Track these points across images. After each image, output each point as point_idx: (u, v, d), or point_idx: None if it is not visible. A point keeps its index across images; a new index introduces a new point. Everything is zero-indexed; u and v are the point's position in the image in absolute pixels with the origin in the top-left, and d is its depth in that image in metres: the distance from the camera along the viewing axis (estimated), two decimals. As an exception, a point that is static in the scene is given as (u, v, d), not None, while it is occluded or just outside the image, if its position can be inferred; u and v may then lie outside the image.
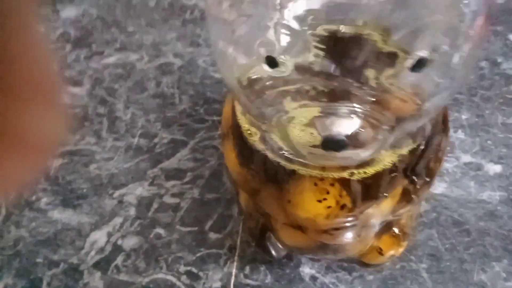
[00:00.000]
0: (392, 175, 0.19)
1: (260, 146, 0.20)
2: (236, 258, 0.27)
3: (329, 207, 0.19)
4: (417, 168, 0.20)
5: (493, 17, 0.15)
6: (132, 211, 0.30)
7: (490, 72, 0.36)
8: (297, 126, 0.15)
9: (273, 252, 0.25)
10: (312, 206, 0.19)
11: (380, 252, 0.23)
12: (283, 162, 0.19)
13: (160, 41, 0.42)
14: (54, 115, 0.08)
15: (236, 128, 0.21)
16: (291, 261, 0.27)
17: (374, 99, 0.15)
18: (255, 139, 0.20)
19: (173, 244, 0.28)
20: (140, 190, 0.31)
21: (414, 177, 0.20)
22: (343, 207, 0.19)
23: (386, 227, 0.23)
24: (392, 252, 0.23)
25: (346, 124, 0.15)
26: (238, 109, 0.21)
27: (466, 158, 0.31)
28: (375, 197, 0.19)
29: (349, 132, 0.15)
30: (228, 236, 0.28)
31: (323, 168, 0.19)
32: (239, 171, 0.22)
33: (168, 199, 0.30)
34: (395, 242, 0.23)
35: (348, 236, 0.21)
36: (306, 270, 0.26)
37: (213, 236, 0.28)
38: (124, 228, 0.29)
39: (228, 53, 0.16)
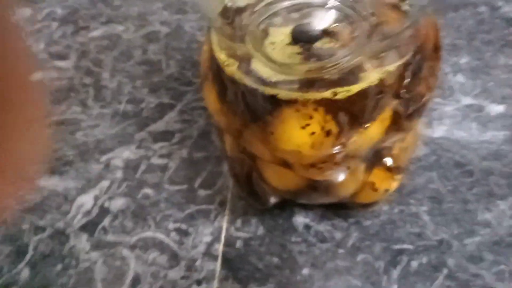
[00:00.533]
0: (379, 96, 0.18)
1: (238, 75, 0.18)
2: (226, 212, 0.26)
3: (313, 133, 0.17)
4: (407, 88, 0.18)
5: None
6: (119, 174, 0.29)
7: (490, 16, 0.35)
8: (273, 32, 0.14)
9: (264, 199, 0.23)
10: (295, 134, 0.18)
11: (374, 187, 0.22)
12: (262, 88, 0.18)
13: (146, 12, 0.41)
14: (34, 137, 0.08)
15: (215, 68, 0.20)
16: (283, 211, 0.25)
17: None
18: (233, 70, 0.18)
19: (162, 203, 0.27)
20: (127, 153, 0.30)
21: (404, 97, 0.18)
22: (328, 133, 0.18)
23: (377, 158, 0.21)
24: (386, 187, 0.22)
25: (320, 15, 0.13)
26: (215, 43, 0.20)
27: (467, 100, 0.29)
28: (362, 121, 0.18)
29: (324, 24, 0.13)
30: (218, 192, 0.27)
31: (305, 89, 0.17)
32: (221, 111, 0.21)
33: (156, 160, 0.29)
34: (388, 176, 0.22)
35: (337, 168, 0.19)
36: (300, 219, 0.25)
37: (202, 193, 0.27)
38: (111, 191, 0.28)
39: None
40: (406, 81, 0.18)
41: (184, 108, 0.32)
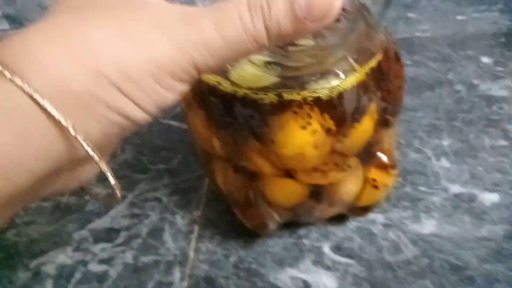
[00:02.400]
0: (367, 90, 0.19)
1: (229, 88, 0.18)
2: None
3: (314, 131, 0.18)
4: (385, 84, 0.20)
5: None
6: (49, 285, 0.24)
7: (468, 95, 0.33)
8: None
9: (268, 222, 0.22)
10: (297, 136, 0.18)
11: (375, 183, 0.22)
12: (261, 95, 0.18)
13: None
14: None
15: (199, 93, 0.20)
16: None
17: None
18: (225, 85, 0.19)
19: (94, 325, 0.22)
20: (62, 257, 0.25)
21: (384, 89, 0.20)
22: (328, 131, 0.18)
23: (371, 154, 0.21)
24: (385, 182, 0.22)
25: None
26: None
27: (455, 188, 0.26)
28: (356, 116, 0.19)
29: None
30: (166, 310, 0.22)
31: (301, 87, 0.18)
32: (211, 135, 0.21)
33: (94, 267, 0.24)
34: (385, 171, 0.22)
35: (338, 169, 0.20)
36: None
37: (146, 310, 0.22)
38: (34, 308, 0.23)
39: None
40: (383, 78, 0.19)
41: (135, 200, 0.28)
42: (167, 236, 0.25)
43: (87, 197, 0.28)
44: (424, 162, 0.28)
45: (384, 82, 0.20)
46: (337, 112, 0.18)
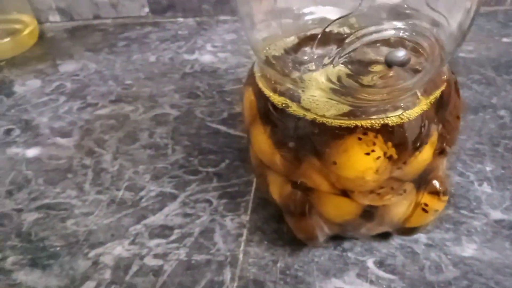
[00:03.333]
0: (429, 120, 0.20)
1: (298, 112, 0.20)
2: (225, 334, 0.22)
3: (378, 158, 0.19)
4: (446, 112, 0.21)
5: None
6: (107, 275, 0.26)
7: (511, 121, 0.33)
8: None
9: (318, 235, 0.24)
10: (360, 161, 0.19)
11: (425, 208, 0.23)
12: (327, 120, 0.19)
13: (158, 93, 0.40)
14: None
15: (264, 111, 0.21)
16: None
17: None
18: (293, 108, 0.20)
19: (151, 315, 0.23)
20: (119, 249, 0.27)
21: (445, 120, 0.21)
22: (390, 158, 0.19)
23: (426, 181, 0.22)
24: (436, 207, 0.23)
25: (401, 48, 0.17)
26: (266, 87, 0.21)
27: (496, 214, 0.27)
28: (417, 145, 0.20)
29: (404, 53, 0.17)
30: (217, 307, 0.24)
31: (368, 116, 0.19)
32: (273, 152, 0.22)
33: (150, 261, 0.26)
34: (437, 197, 0.23)
35: (394, 193, 0.21)
36: None
37: (199, 306, 0.24)
38: (96, 295, 0.25)
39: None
40: (444, 109, 0.21)
41: (187, 200, 0.30)
42: (217, 237, 0.27)
43: (141, 193, 0.30)
44: (467, 186, 0.29)
45: (444, 113, 0.21)
46: (400, 141, 0.19)
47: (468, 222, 0.26)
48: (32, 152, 0.35)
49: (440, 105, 0.20)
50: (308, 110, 0.19)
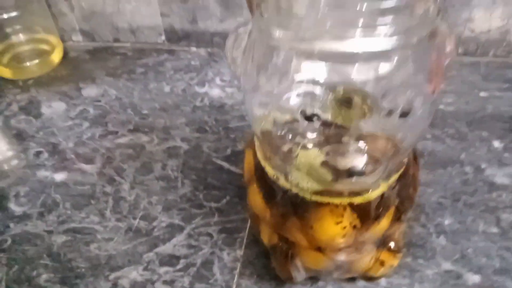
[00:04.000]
0: (387, 198, 0.25)
1: (286, 185, 0.25)
2: None
3: (344, 227, 0.24)
4: (403, 190, 0.26)
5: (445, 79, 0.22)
6: (125, 295, 0.31)
7: (474, 178, 0.38)
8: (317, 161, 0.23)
9: (296, 276, 0.29)
10: (331, 228, 0.25)
11: (382, 263, 0.29)
12: (306, 195, 0.24)
13: (171, 125, 0.45)
14: None
15: (260, 175, 0.27)
16: None
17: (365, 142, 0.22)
18: (281, 181, 0.25)
19: (160, 333, 0.29)
20: (134, 274, 0.33)
21: (401, 197, 0.26)
22: (354, 227, 0.25)
23: (384, 243, 0.28)
24: (391, 263, 0.29)
25: (359, 159, 0.22)
26: (262, 158, 0.26)
27: (447, 265, 0.32)
28: (377, 217, 0.25)
29: (362, 164, 0.22)
30: (213, 329, 0.29)
31: (338, 195, 0.24)
32: (265, 209, 0.27)
33: (160, 286, 0.32)
34: (392, 255, 0.29)
35: (357, 251, 0.27)
36: None
37: (198, 327, 0.30)
38: (115, 312, 0.31)
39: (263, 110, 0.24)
40: (402, 186, 0.26)
41: (192, 232, 0.35)
42: (216, 269, 0.33)
43: (154, 223, 0.36)
44: (426, 237, 0.34)
45: (403, 187, 0.26)
46: (363, 214, 0.25)
47: (422, 271, 0.32)
48: (59, 177, 0.41)
49: (399, 184, 0.26)
50: (294, 186, 0.25)
